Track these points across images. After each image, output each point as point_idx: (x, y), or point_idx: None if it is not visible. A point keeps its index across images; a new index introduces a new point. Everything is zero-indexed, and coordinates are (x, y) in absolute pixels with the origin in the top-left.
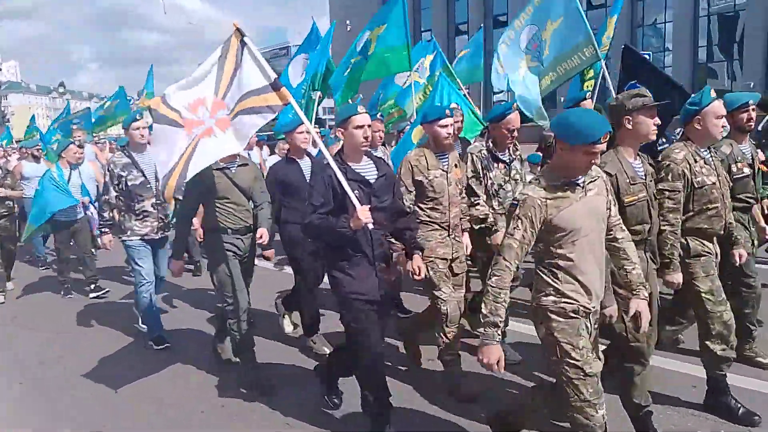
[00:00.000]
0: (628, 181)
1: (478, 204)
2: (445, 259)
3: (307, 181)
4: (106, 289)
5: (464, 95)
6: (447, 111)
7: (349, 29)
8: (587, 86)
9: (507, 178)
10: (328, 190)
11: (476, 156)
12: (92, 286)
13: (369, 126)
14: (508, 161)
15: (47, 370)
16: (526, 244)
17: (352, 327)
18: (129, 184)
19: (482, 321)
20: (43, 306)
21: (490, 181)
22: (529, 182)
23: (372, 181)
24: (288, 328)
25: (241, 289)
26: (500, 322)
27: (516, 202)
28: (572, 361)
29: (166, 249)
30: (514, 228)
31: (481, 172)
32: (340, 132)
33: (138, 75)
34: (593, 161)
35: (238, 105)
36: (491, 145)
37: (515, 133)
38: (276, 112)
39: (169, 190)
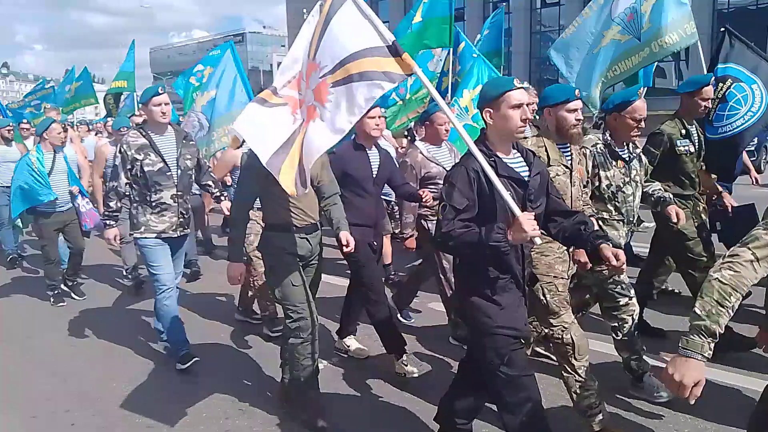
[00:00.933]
0: None
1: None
2: (564, 277)
3: (373, 175)
4: (84, 296)
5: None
6: (576, 91)
7: (305, 18)
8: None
9: (627, 179)
10: (473, 190)
11: (590, 151)
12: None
13: (529, 105)
14: (627, 159)
15: (40, 403)
16: None
17: (504, 373)
18: (145, 169)
19: (691, 323)
20: (24, 315)
21: (606, 182)
22: None
23: (526, 179)
24: (353, 345)
25: (309, 302)
26: (719, 332)
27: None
28: None
29: (184, 249)
30: None
31: (591, 171)
32: (488, 114)
33: (84, 57)
34: None
35: (343, 66)
36: (609, 138)
37: (642, 124)
38: (396, 82)
39: (287, 181)
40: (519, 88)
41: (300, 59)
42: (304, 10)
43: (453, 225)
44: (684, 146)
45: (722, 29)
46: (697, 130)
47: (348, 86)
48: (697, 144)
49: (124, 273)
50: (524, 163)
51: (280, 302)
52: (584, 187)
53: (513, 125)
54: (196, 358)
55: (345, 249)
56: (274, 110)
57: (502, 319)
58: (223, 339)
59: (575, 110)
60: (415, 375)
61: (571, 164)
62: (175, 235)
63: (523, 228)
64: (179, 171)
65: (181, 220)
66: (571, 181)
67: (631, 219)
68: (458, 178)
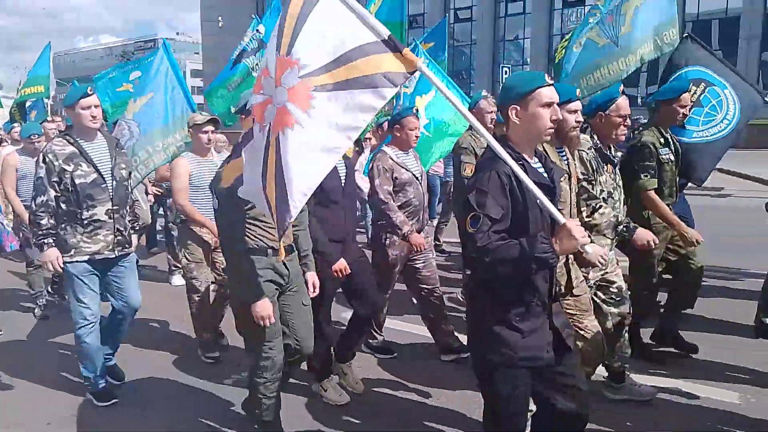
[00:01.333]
0: None
1: (601, 207)
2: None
3: (342, 184)
4: (1, 332)
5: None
6: (578, 91)
7: (221, 26)
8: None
9: (614, 184)
10: (506, 197)
11: (586, 155)
12: None
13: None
14: (614, 163)
15: None
16: None
17: (504, 408)
18: (77, 182)
19: None
20: None
21: (599, 188)
22: None
23: (552, 185)
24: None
25: (280, 337)
26: None
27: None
28: None
29: (134, 269)
30: None
31: (593, 175)
32: (514, 112)
33: None
34: None
35: (331, 71)
36: (597, 141)
37: (628, 121)
38: (398, 85)
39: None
40: (550, 84)
41: (267, 56)
42: (219, 18)
43: (489, 238)
44: (665, 155)
45: (685, 35)
46: (672, 137)
47: (338, 93)
48: (674, 152)
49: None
50: (544, 169)
51: (246, 336)
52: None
53: (543, 125)
54: (115, 399)
55: (311, 293)
56: (252, 139)
57: (523, 350)
58: (160, 366)
59: (575, 111)
60: (331, 402)
61: (569, 168)
62: (113, 256)
63: (573, 235)
64: (114, 182)
65: (119, 238)
66: (570, 188)
67: (617, 226)
68: (490, 184)
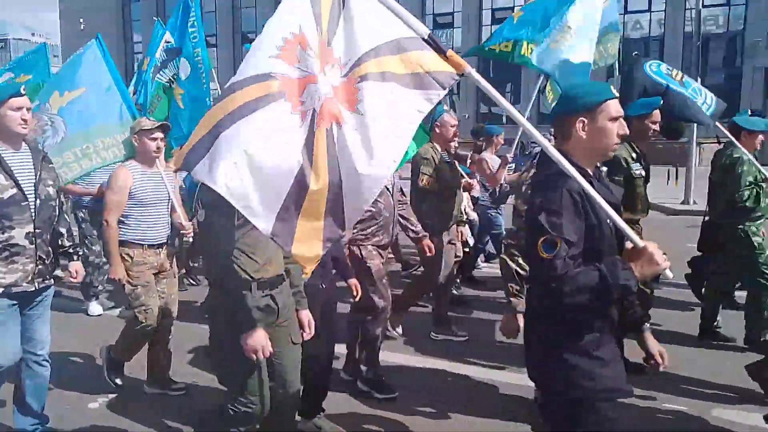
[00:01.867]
0: None
1: None
2: None
3: None
4: None
5: None
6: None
7: (82, 28)
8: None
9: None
10: (580, 218)
11: None
12: None
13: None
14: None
15: None
16: None
17: None
18: None
19: None
20: None
21: None
22: None
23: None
24: None
25: (264, 387)
26: None
27: None
28: None
29: (48, 307)
30: None
31: None
32: (581, 124)
33: None
34: None
35: (367, 61)
36: None
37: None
38: (447, 87)
39: (305, 252)
40: (617, 97)
41: (296, 18)
42: (81, 20)
43: (568, 265)
44: (637, 170)
45: (635, 53)
46: (643, 155)
47: (382, 85)
48: (645, 168)
49: None
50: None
51: (224, 383)
52: None
53: (610, 141)
54: None
55: (305, 334)
56: (264, 116)
57: (607, 380)
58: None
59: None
60: None
61: None
62: (32, 288)
63: (655, 260)
64: (38, 201)
65: (40, 267)
66: None
67: None
68: (563, 204)
